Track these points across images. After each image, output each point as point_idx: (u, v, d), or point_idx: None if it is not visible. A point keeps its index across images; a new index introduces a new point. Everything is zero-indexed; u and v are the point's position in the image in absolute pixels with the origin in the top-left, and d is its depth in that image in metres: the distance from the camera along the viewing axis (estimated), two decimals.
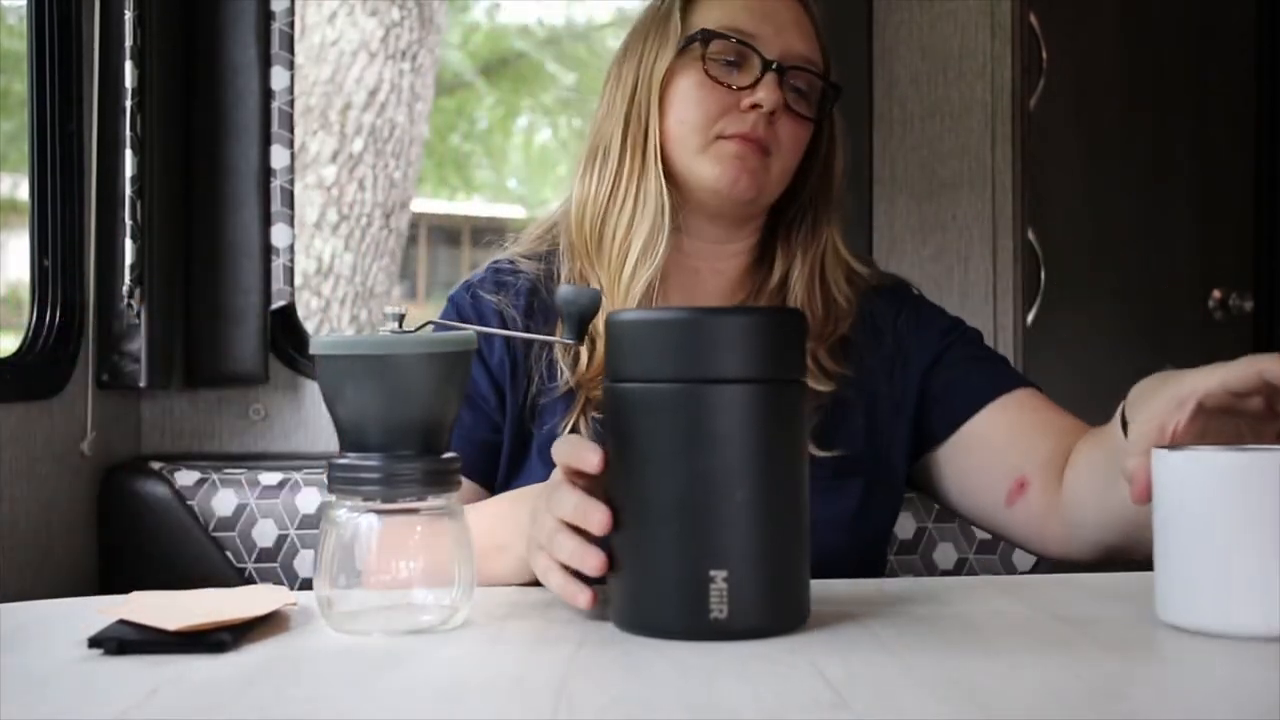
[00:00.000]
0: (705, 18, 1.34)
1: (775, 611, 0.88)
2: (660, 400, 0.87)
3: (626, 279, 1.31)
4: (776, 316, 0.92)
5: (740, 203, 1.33)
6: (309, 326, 3.01)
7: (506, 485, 1.30)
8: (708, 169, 1.31)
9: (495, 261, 1.40)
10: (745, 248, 1.40)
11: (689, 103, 1.32)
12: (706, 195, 1.33)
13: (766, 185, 1.33)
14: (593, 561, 0.90)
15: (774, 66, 1.31)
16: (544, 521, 0.94)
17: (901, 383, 1.35)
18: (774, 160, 1.32)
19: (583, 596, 0.91)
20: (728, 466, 0.86)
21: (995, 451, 1.29)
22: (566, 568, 0.93)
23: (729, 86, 1.31)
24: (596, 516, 0.89)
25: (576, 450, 0.91)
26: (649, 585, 0.88)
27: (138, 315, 1.79)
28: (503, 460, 1.31)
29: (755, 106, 1.30)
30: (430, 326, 0.97)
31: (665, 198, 1.32)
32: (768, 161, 1.32)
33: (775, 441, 0.88)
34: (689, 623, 0.86)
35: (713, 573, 0.85)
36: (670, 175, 1.33)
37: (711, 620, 0.86)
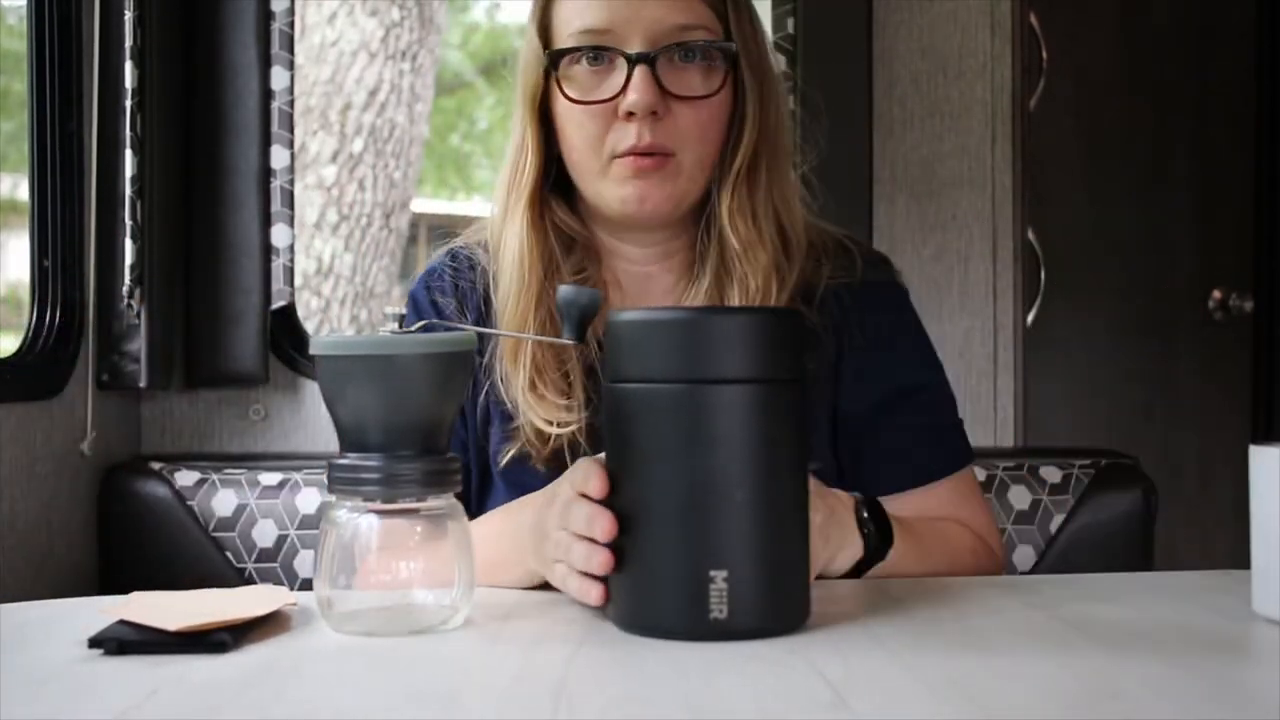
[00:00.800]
0: (561, 24, 1.22)
1: (775, 611, 0.88)
2: (660, 401, 0.87)
3: (511, 320, 1.23)
4: (776, 316, 0.92)
5: (656, 218, 1.23)
6: (309, 327, 3.02)
7: (480, 505, 1.28)
8: (611, 194, 1.21)
9: (452, 249, 1.34)
10: (690, 240, 1.28)
11: (569, 125, 1.21)
12: (619, 217, 1.24)
13: (679, 193, 1.22)
14: (599, 559, 0.90)
15: (638, 57, 1.17)
16: (558, 538, 0.95)
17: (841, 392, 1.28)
18: (683, 157, 1.20)
19: (595, 591, 0.92)
20: (728, 467, 0.86)
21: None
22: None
23: (597, 101, 1.19)
24: (601, 524, 0.90)
25: (586, 478, 0.92)
26: (649, 585, 0.88)
27: (137, 315, 1.79)
28: (473, 479, 1.29)
29: (631, 114, 1.17)
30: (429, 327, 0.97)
31: (527, 236, 1.23)
32: (672, 167, 1.20)
33: (775, 441, 0.88)
34: (689, 623, 0.86)
35: (713, 573, 0.85)
36: (581, 198, 1.26)
37: (712, 620, 0.86)
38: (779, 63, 2.08)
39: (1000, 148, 2.02)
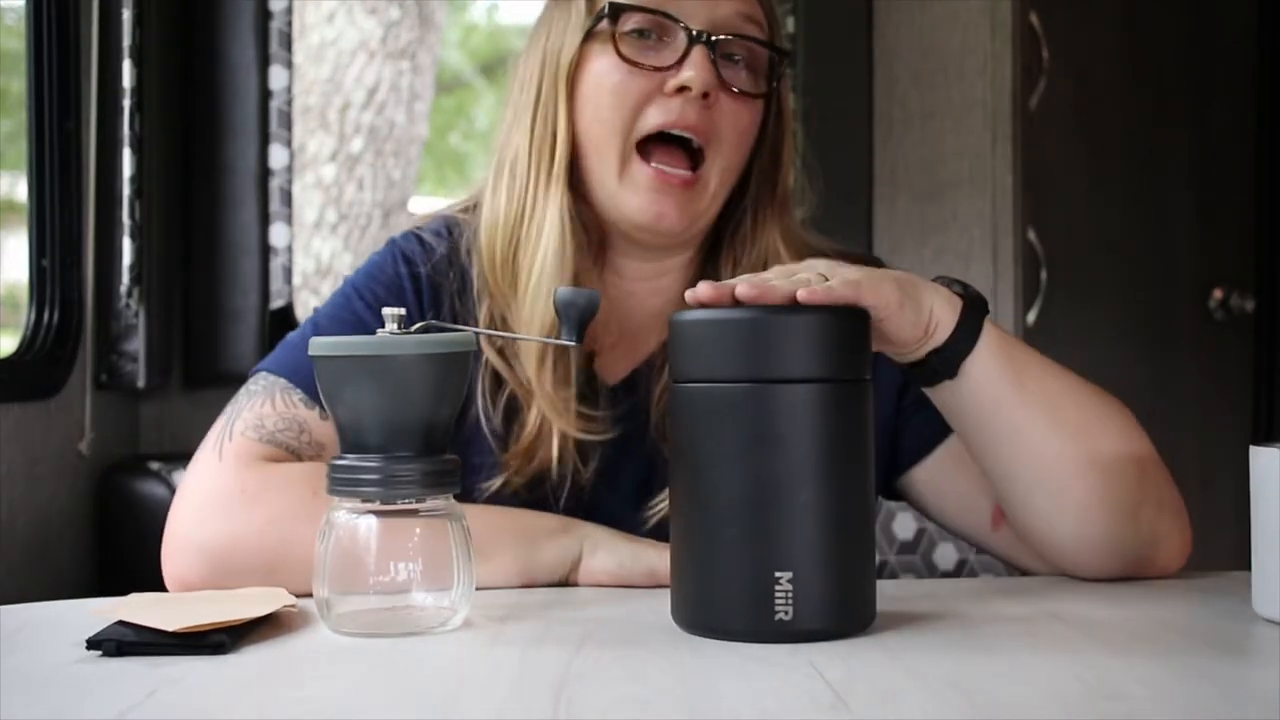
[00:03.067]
0: None
1: (841, 613, 0.87)
2: (724, 401, 0.86)
3: (540, 316, 1.13)
4: (842, 315, 0.89)
5: (670, 236, 1.16)
6: None
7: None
8: (627, 201, 1.13)
9: (420, 236, 1.22)
10: (685, 260, 1.23)
11: (603, 93, 1.13)
12: (629, 228, 1.16)
13: (700, 211, 1.15)
14: None
15: (702, 38, 1.12)
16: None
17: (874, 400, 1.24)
18: (711, 165, 1.14)
19: None
20: (792, 467, 0.85)
21: (972, 474, 1.13)
22: None
23: (649, 68, 1.12)
24: None
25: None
26: (713, 587, 0.87)
27: (136, 315, 1.79)
28: None
29: (683, 89, 1.11)
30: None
31: (567, 223, 1.14)
32: (699, 186, 1.14)
33: (840, 442, 0.87)
34: (754, 624, 0.86)
35: (778, 574, 0.85)
36: (589, 199, 1.17)
37: (777, 622, 0.85)
38: None
39: (1000, 148, 2.02)
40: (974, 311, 0.99)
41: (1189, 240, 2.84)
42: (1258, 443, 0.92)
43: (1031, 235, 2.23)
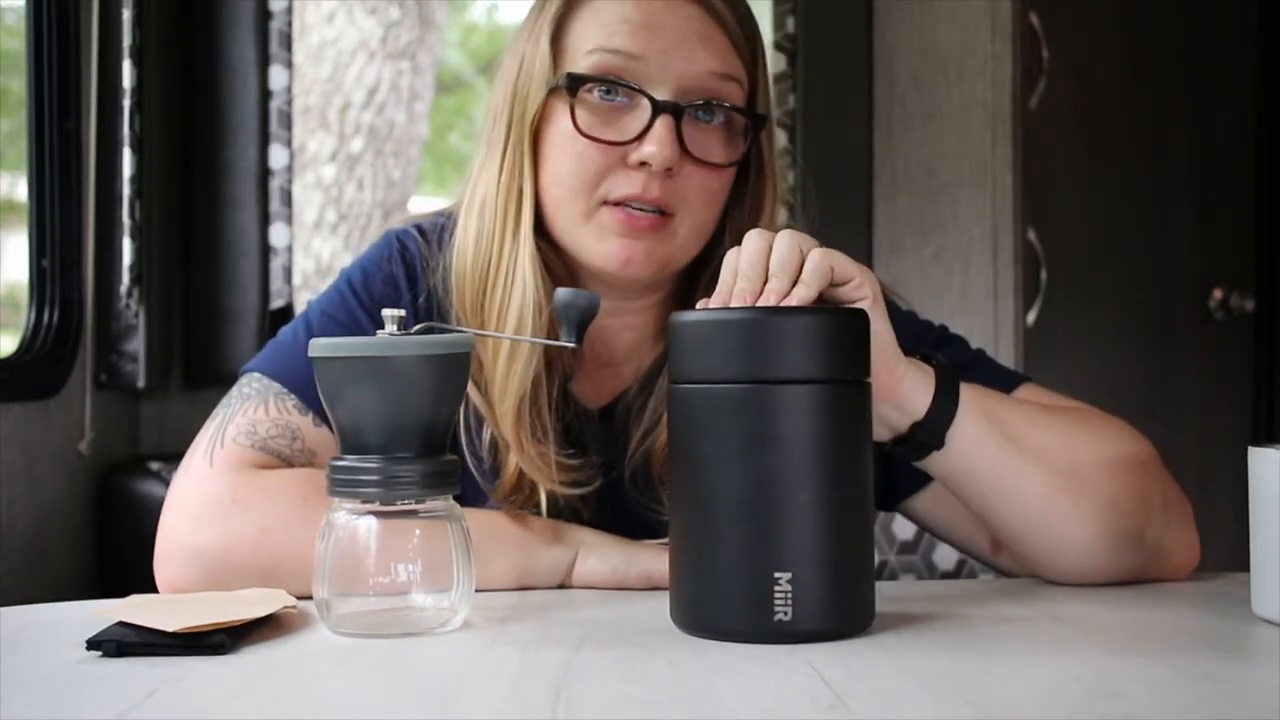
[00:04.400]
0: (579, 39, 1.09)
1: (840, 613, 0.87)
2: (724, 401, 0.86)
3: (503, 365, 1.09)
4: (841, 316, 0.90)
5: (638, 281, 1.11)
6: None
7: None
8: (592, 246, 1.09)
9: (402, 254, 1.19)
10: (660, 299, 1.18)
11: (564, 158, 1.08)
12: (595, 272, 1.11)
13: (668, 258, 1.10)
14: None
15: (666, 107, 1.06)
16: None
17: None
18: (681, 221, 1.09)
19: None
20: (792, 468, 0.86)
21: (969, 513, 1.09)
22: None
23: (608, 143, 1.07)
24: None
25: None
26: (712, 587, 0.87)
27: (136, 315, 1.79)
28: None
29: (645, 164, 1.06)
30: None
31: (539, 273, 1.09)
32: (669, 230, 1.08)
33: (839, 442, 0.87)
34: (753, 625, 0.86)
35: (777, 575, 0.85)
36: (555, 243, 1.12)
37: (776, 622, 0.85)
38: (778, 62, 2.08)
39: (1000, 148, 2.02)
40: (948, 380, 0.98)
41: (1189, 240, 2.84)
42: (1257, 443, 0.92)
43: (1031, 235, 2.23)
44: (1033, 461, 1.01)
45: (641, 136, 1.06)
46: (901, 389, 0.96)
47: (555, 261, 1.13)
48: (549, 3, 1.12)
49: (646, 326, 1.18)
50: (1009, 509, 1.02)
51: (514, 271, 1.11)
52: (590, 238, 1.09)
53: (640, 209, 1.08)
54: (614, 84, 1.08)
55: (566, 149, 1.09)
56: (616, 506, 1.16)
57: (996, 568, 1.20)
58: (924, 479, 1.15)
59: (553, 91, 1.09)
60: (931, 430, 0.98)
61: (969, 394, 0.99)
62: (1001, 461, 1.00)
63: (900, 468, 1.14)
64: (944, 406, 0.97)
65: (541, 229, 1.13)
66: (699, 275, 1.15)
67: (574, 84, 1.08)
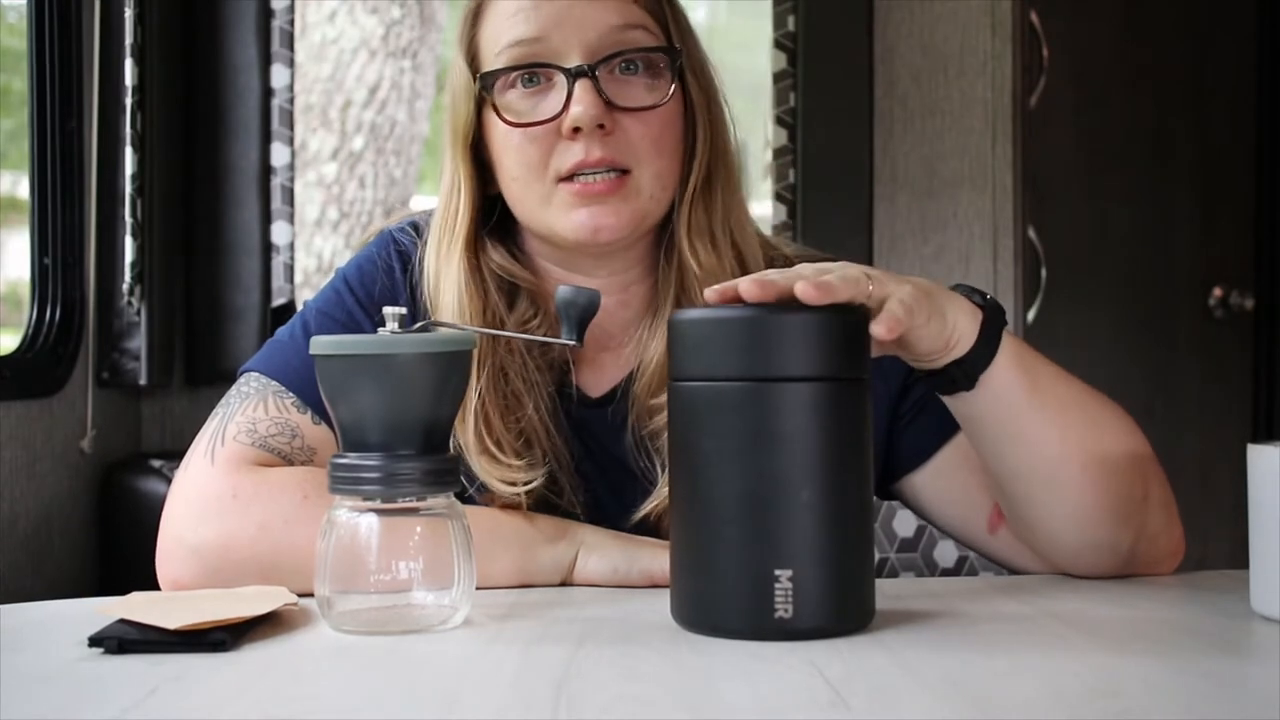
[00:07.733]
0: (488, 43, 1.13)
1: (840, 611, 0.87)
2: (724, 399, 0.86)
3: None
4: (842, 314, 0.89)
5: (614, 245, 1.14)
6: None
7: None
8: (561, 222, 1.11)
9: (388, 257, 1.20)
10: (645, 269, 1.19)
11: (508, 154, 1.12)
12: (576, 248, 1.14)
13: (640, 212, 1.12)
14: None
15: (577, 70, 1.09)
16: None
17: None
18: (640, 174, 1.11)
19: None
20: (792, 466, 0.86)
21: (970, 479, 1.14)
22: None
23: (538, 123, 1.10)
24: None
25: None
26: (713, 585, 0.87)
27: (138, 313, 1.79)
28: None
29: (577, 130, 1.09)
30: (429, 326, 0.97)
31: (464, 287, 1.13)
32: (630, 186, 1.11)
33: (840, 440, 0.87)
34: (753, 622, 0.86)
35: (777, 572, 0.85)
36: (528, 246, 1.17)
37: (776, 620, 0.85)
38: (779, 60, 2.08)
39: (1000, 147, 2.02)
40: (993, 323, 1.00)
41: (1189, 239, 2.85)
42: (1257, 441, 0.92)
43: (1031, 233, 2.23)
44: (1054, 414, 1.03)
45: (566, 107, 1.09)
46: (950, 328, 0.97)
47: (514, 268, 1.16)
48: (462, 22, 1.16)
49: (639, 300, 1.20)
50: (1021, 460, 1.04)
51: (446, 283, 1.14)
52: (558, 217, 1.11)
53: (593, 173, 1.10)
54: (525, 68, 1.11)
55: (508, 146, 1.12)
56: (597, 482, 1.16)
57: (989, 555, 1.19)
58: (925, 453, 1.17)
59: (481, 101, 1.14)
60: (967, 371, 0.99)
61: (1008, 342, 1.01)
62: (1025, 412, 1.02)
63: (903, 442, 1.18)
64: (984, 350, 0.99)
65: (510, 234, 1.17)
66: (677, 231, 1.16)
67: (490, 82, 1.12)
